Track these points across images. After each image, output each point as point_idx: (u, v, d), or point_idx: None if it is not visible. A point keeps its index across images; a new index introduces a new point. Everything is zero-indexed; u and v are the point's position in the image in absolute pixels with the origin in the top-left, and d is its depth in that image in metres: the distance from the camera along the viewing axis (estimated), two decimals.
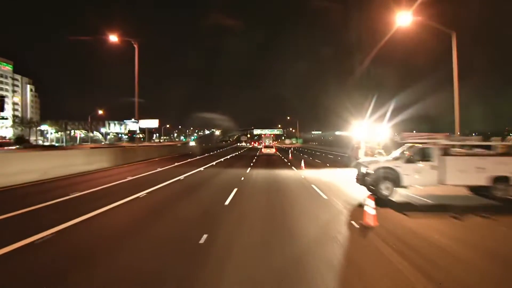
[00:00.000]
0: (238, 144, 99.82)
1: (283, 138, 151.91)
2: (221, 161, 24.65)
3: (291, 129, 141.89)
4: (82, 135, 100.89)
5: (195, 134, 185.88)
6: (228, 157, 30.37)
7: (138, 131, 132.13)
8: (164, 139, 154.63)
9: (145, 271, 3.96)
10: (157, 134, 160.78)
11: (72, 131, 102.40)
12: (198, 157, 28.52)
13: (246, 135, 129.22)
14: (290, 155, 29.87)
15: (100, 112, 78.23)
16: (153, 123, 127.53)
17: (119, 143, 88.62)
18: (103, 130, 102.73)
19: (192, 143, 68.21)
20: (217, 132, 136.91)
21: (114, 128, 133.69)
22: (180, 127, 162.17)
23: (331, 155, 37.18)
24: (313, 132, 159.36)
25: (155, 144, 64.01)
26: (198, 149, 44.77)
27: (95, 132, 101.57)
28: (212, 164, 20.65)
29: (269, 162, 24.63)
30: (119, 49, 27.37)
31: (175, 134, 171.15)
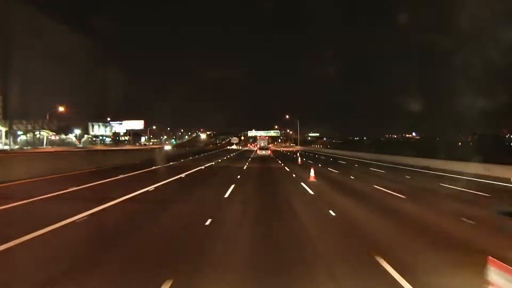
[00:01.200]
0: (228, 147, 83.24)
1: (279, 140, 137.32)
2: (146, 192, 9.50)
3: (288, 130, 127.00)
4: (50, 137, 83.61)
5: (186, 137, 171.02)
6: (184, 175, 14.89)
7: (122, 133, 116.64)
8: (153, 142, 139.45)
9: None
10: (147, 137, 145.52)
11: (37, 132, 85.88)
12: (128, 175, 13.65)
13: (240, 137, 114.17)
14: (311, 173, 13.51)
15: (61, 109, 60.77)
16: (138, 124, 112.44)
17: (93, 146, 72.82)
18: (77, 131, 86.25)
19: (167, 148, 52.23)
20: (203, 136, 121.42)
21: (98, 130, 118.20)
22: (168, 129, 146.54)
23: (377, 167, 21.12)
24: (310, 134, 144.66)
25: (103, 148, 48.50)
26: (165, 156, 29.84)
27: (70, 134, 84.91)
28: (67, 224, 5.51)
29: (271, 198, 9.24)
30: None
31: (165, 137, 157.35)
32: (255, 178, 14.49)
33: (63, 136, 76.88)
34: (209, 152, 47.22)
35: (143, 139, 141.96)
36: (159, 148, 51.26)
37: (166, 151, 40.09)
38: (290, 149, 71.50)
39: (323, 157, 35.84)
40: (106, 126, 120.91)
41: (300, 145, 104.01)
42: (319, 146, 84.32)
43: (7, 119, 58.98)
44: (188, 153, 37.08)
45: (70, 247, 4.59)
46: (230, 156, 37.15)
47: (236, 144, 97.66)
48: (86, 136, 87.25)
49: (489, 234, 5.41)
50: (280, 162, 25.92)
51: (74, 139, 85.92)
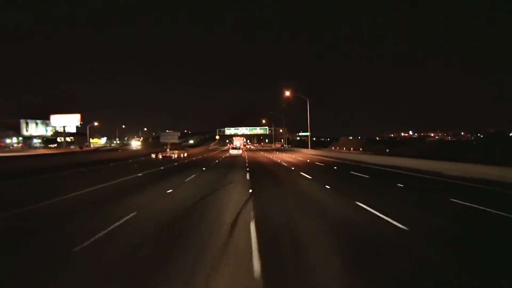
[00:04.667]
0: (162, 156, 32.25)
1: (266, 141, 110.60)
2: None
3: (279, 128, 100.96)
4: None
5: (162, 137, 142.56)
6: None
7: (56, 131, 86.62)
8: (115, 143, 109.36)
9: None
10: (106, 138, 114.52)
11: None
12: None
13: (214, 137, 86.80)
14: None
15: None
16: (71, 119, 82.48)
17: None
18: None
19: None
20: (136, 142, 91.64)
21: (36, 129, 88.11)
22: (124, 126, 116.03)
23: None
24: (300, 134, 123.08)
25: None
26: None
27: None
28: None
29: None
30: None
31: (126, 138, 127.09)
32: None
33: None
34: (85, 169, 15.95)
35: (103, 140, 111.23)
36: None
37: None
38: (293, 156, 37.80)
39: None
40: (47, 125, 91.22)
41: (293, 144, 76.54)
42: (345, 149, 55.80)
43: None
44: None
45: None
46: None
47: (179, 149, 44.35)
48: None
49: None
50: None
51: None
